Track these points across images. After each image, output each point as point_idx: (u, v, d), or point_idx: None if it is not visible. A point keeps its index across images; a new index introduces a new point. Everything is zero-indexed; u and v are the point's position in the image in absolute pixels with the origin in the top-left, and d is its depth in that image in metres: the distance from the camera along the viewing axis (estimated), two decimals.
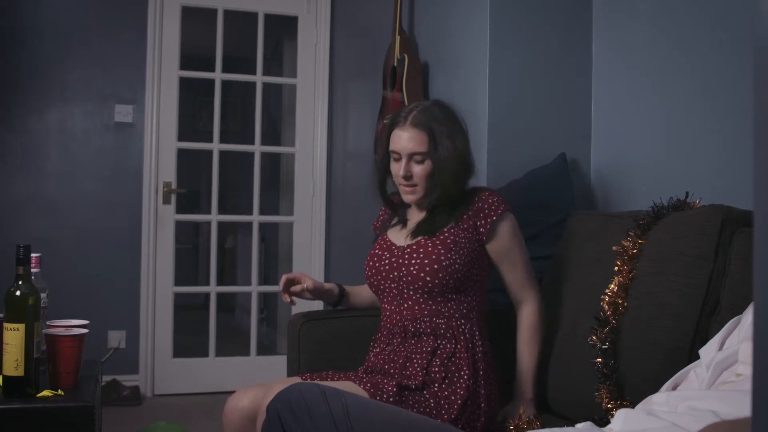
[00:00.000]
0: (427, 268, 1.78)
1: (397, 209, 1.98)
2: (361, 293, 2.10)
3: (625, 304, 1.74)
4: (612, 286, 1.75)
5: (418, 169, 1.84)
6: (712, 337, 1.29)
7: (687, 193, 1.84)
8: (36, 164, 3.72)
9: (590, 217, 2.11)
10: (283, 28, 4.59)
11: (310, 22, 4.04)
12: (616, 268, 1.77)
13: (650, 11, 2.36)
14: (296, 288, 1.96)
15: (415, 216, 1.94)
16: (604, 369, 1.69)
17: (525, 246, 1.92)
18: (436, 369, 1.75)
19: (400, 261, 1.84)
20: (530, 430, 1.69)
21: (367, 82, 3.56)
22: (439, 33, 2.97)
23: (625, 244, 1.78)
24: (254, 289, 4.10)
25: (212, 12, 3.89)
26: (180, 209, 3.97)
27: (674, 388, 1.27)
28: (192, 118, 6.28)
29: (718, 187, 1.99)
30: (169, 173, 3.86)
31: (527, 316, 1.90)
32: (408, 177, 1.84)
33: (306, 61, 4.05)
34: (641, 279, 1.74)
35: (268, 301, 5.42)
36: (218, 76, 3.93)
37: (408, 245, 1.86)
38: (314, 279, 2.00)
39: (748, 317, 1.24)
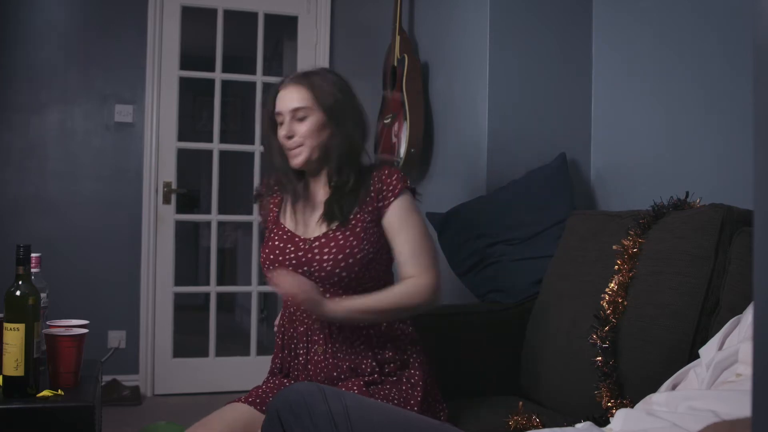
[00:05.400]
0: (342, 264, 1.68)
1: (288, 189, 1.83)
2: None
3: (625, 303, 1.74)
4: (612, 285, 1.75)
5: (301, 127, 1.74)
6: (712, 337, 1.29)
7: (687, 193, 1.84)
8: (36, 164, 3.72)
9: (590, 217, 2.11)
10: (283, 28, 4.59)
11: (310, 22, 4.04)
12: (616, 267, 1.77)
13: (650, 11, 2.36)
14: None
15: (317, 196, 1.80)
16: (604, 368, 1.69)
17: (424, 227, 1.77)
18: (390, 358, 1.72)
19: (309, 255, 1.71)
20: (530, 430, 1.69)
21: (367, 82, 3.56)
22: (439, 33, 2.97)
23: (626, 243, 1.78)
24: (254, 289, 4.10)
25: (212, 12, 3.89)
26: (180, 209, 3.97)
27: (674, 388, 1.27)
28: (192, 118, 6.28)
29: (718, 187, 1.98)
30: (169, 173, 3.86)
31: (414, 280, 1.71)
32: (291, 136, 1.74)
33: (306, 61, 4.04)
34: (641, 278, 1.74)
35: (268, 301, 5.42)
36: (218, 76, 3.93)
37: (316, 237, 1.73)
38: None
39: (748, 317, 1.24)
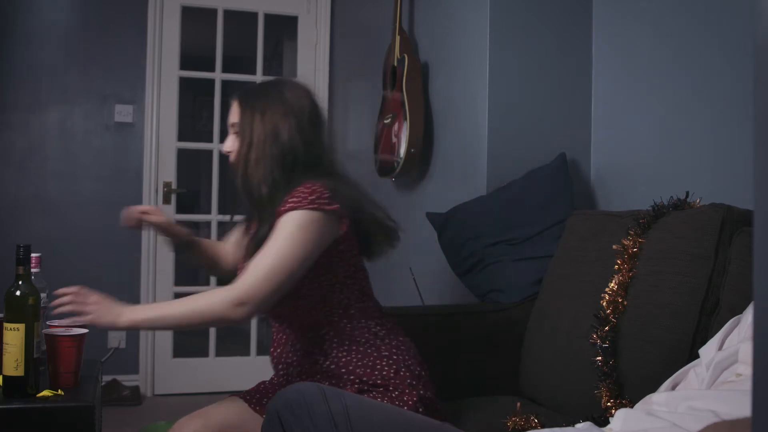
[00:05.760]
0: None
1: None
2: (208, 248, 1.96)
3: (625, 302, 1.74)
4: (612, 284, 1.75)
5: (236, 143, 1.71)
6: (712, 337, 1.29)
7: (687, 193, 1.84)
8: (36, 164, 3.72)
9: (590, 217, 2.11)
10: (283, 28, 4.60)
11: (310, 22, 4.05)
12: (616, 266, 1.77)
13: (650, 11, 2.36)
14: (147, 217, 1.85)
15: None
16: (604, 367, 1.69)
17: (289, 250, 1.56)
18: (368, 371, 1.65)
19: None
20: (529, 430, 1.69)
21: (367, 82, 3.56)
22: (439, 33, 2.97)
23: (626, 242, 1.78)
24: None
25: (212, 12, 3.89)
26: (180, 209, 3.97)
27: (673, 388, 1.27)
28: (192, 118, 6.28)
29: (719, 187, 1.99)
30: (169, 173, 3.86)
31: (222, 289, 1.57)
32: (229, 151, 1.73)
33: (306, 61, 4.05)
34: (641, 278, 1.74)
35: None
36: (218, 76, 3.93)
37: (244, 264, 1.68)
38: (169, 219, 1.91)
39: (748, 317, 1.24)
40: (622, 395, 1.67)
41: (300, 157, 1.67)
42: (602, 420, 1.44)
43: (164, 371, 3.85)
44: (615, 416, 1.18)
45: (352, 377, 1.66)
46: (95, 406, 1.66)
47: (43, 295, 1.85)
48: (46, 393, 1.65)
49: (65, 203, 3.74)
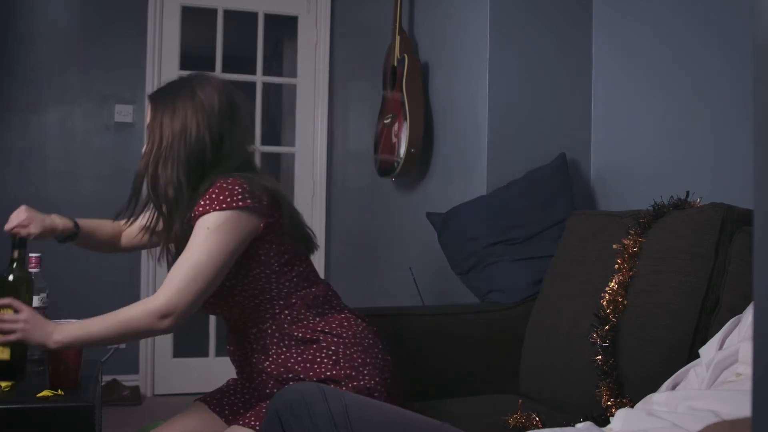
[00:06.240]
0: None
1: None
2: (96, 232, 1.92)
3: (625, 302, 1.74)
4: (612, 284, 1.75)
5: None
6: (712, 336, 1.29)
7: (687, 192, 1.84)
8: (36, 164, 3.72)
9: (590, 216, 2.11)
10: (283, 28, 4.60)
11: (310, 22, 4.04)
12: (617, 266, 1.77)
13: (650, 11, 2.36)
14: (19, 231, 1.75)
15: None
16: (604, 366, 1.69)
17: (208, 254, 1.54)
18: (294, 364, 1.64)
19: None
20: (530, 429, 1.69)
21: (367, 82, 3.56)
22: (439, 33, 2.97)
23: (626, 242, 1.78)
24: None
25: (212, 12, 3.89)
26: None
27: (674, 387, 1.27)
28: None
29: (719, 186, 1.99)
30: None
31: (143, 302, 1.56)
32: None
33: (306, 61, 4.05)
34: (641, 277, 1.74)
35: None
36: (218, 76, 3.93)
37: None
38: (44, 219, 1.81)
39: (748, 317, 1.24)
40: (622, 394, 1.67)
41: (207, 156, 1.63)
42: (602, 419, 1.44)
43: (164, 371, 3.85)
44: (615, 416, 1.18)
45: (290, 375, 1.63)
46: (95, 406, 1.66)
47: (43, 294, 1.85)
48: (46, 393, 1.65)
49: (65, 203, 3.73)
